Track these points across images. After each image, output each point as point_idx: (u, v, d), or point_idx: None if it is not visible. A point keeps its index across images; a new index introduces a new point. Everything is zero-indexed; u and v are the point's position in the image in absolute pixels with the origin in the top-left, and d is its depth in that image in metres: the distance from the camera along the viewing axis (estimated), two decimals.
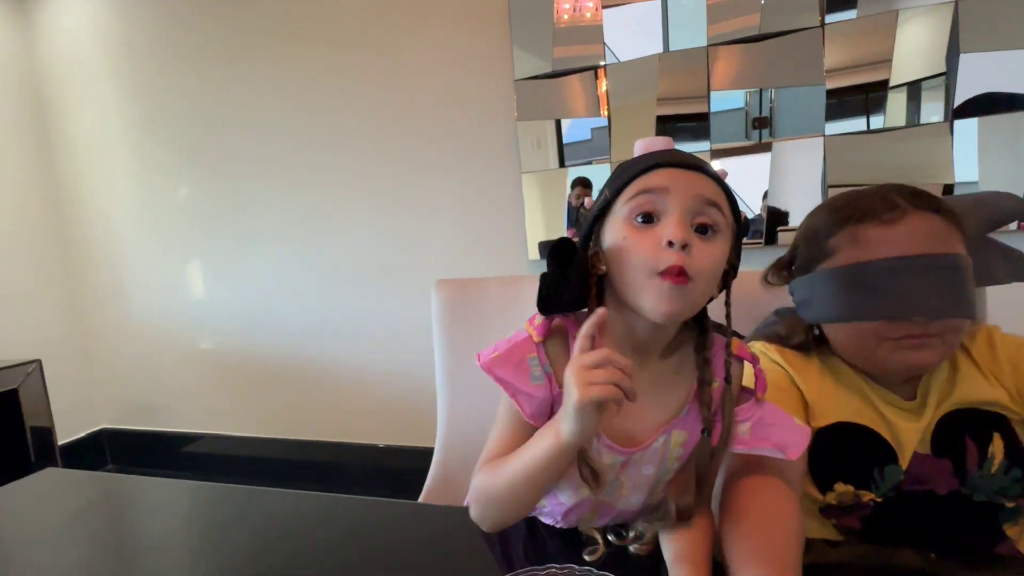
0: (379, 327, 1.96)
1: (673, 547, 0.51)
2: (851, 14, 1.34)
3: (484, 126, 1.73)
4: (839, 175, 1.39)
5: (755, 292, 0.72)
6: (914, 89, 1.32)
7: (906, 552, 0.51)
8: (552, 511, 0.59)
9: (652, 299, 0.47)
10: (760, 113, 1.43)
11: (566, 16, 1.56)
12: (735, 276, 0.53)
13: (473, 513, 0.54)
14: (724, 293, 0.53)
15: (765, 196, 1.47)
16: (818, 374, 0.64)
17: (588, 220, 0.54)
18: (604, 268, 0.51)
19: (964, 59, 1.27)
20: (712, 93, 1.46)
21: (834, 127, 1.38)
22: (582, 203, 1.64)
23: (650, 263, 0.47)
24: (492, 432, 0.56)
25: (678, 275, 0.45)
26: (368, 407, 2.01)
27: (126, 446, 2.44)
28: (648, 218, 0.49)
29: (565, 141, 1.63)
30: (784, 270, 0.68)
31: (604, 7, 1.53)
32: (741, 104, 1.44)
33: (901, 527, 0.59)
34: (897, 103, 1.34)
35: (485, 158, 1.75)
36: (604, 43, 1.54)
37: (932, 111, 1.31)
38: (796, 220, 1.46)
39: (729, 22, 1.43)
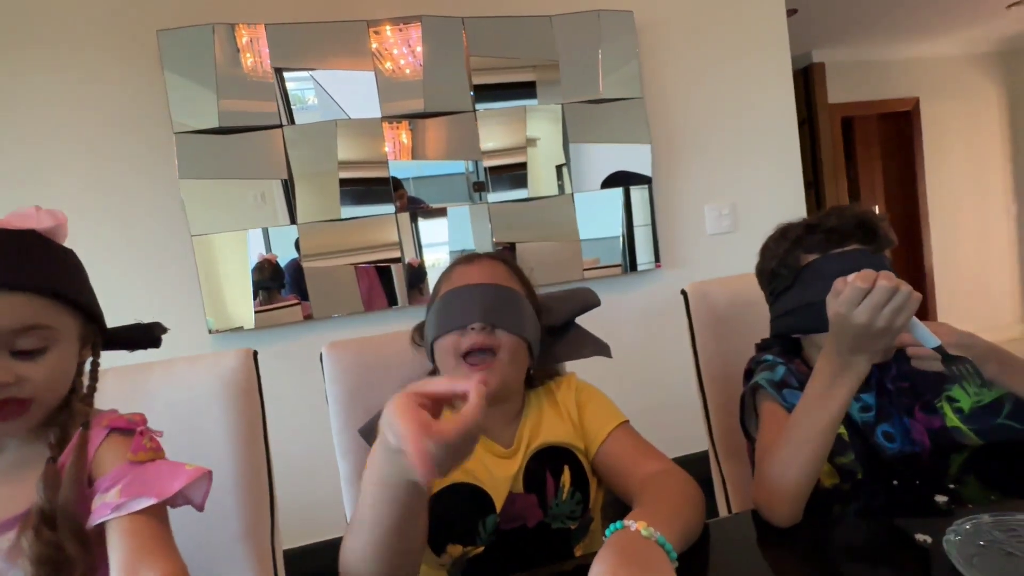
0: None
1: None
2: (496, 104, 1.64)
3: (140, 183, 1.49)
4: (501, 235, 1.66)
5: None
6: (547, 163, 1.68)
7: None
8: None
9: None
10: (478, 179, 1.64)
11: (250, 61, 1.48)
12: None
13: None
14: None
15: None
16: None
17: None
18: None
19: (574, 148, 1.68)
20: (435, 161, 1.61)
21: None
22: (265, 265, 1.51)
23: None
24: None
25: None
26: None
27: None
28: None
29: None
30: None
31: (275, 68, 1.50)
32: (462, 170, 1.63)
33: (498, 567, 0.63)
34: (537, 176, 1.68)
35: (146, 219, 1.50)
36: (278, 102, 1.50)
37: (553, 185, 1.69)
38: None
39: (398, 103, 1.58)
